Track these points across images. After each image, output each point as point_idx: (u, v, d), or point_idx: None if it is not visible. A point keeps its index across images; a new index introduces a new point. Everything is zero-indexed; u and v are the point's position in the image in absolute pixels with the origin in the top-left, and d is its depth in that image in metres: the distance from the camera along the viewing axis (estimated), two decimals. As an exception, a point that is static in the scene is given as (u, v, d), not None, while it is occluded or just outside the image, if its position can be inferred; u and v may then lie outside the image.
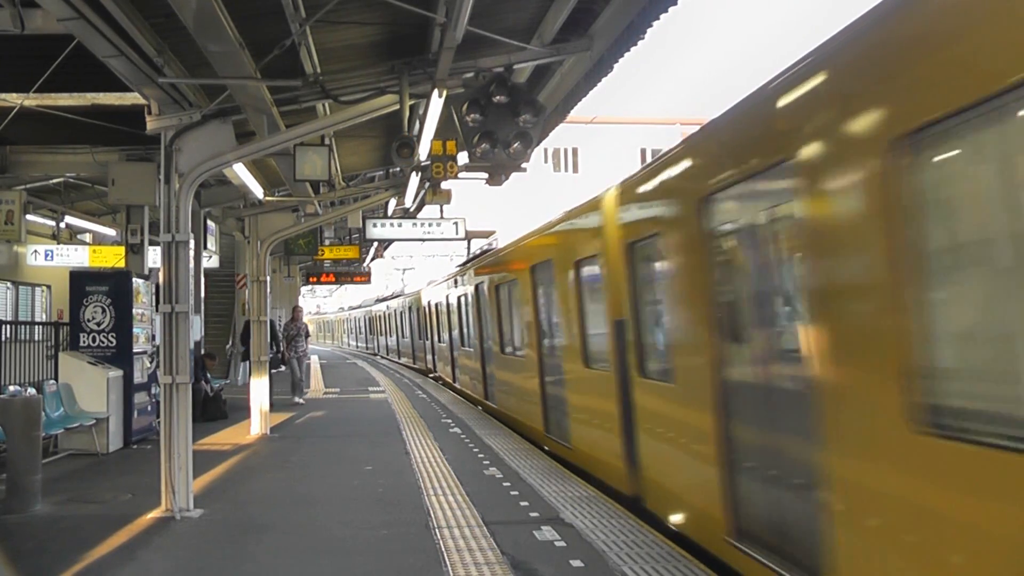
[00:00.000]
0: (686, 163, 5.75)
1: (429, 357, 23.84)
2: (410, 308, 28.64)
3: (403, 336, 31.63)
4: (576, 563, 5.10)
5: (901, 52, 3.25)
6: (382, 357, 38.54)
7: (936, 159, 3.09)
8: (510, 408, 12.44)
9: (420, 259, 39.81)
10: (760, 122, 4.54)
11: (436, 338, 21.89)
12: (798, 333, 4.22)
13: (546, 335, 10.07)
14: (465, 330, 16.71)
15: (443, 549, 5.44)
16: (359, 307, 54.82)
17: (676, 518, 6.06)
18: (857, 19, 3.65)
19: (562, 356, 9.21)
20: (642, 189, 6.63)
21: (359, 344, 50.19)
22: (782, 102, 4.23)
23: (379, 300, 44.41)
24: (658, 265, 6.32)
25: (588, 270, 8.18)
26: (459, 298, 17.14)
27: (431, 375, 23.44)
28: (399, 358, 33.26)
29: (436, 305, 21.23)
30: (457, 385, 18.20)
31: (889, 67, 3.32)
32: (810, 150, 3.88)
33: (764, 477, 4.65)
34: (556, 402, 9.66)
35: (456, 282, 17.66)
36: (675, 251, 5.84)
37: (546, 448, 10.04)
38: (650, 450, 6.65)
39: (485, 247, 19.75)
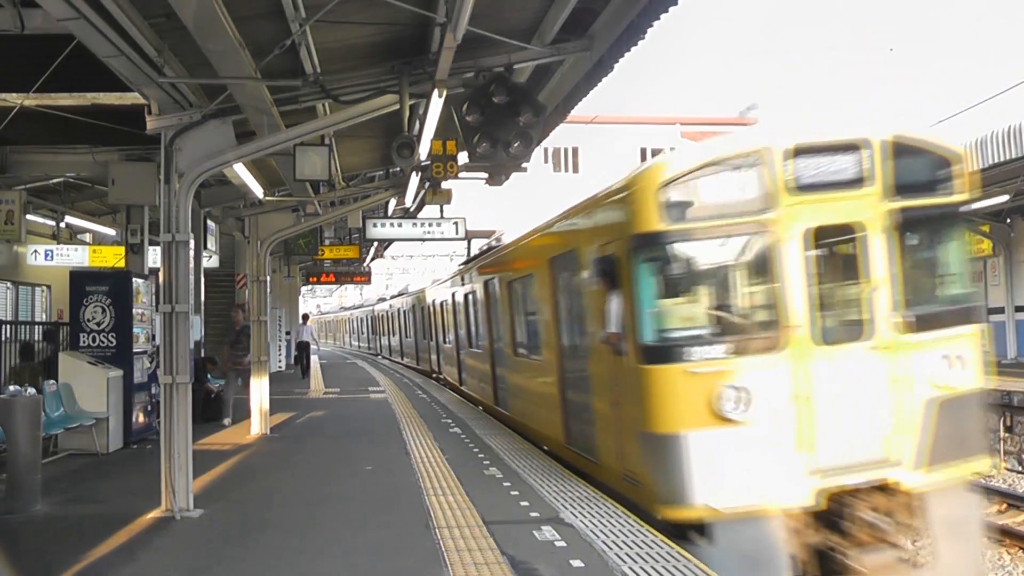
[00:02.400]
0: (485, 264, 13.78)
1: (383, 346, 38.03)
2: (368, 316, 45.23)
3: (362, 333, 48.42)
4: (576, 563, 5.10)
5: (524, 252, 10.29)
6: (349, 347, 54.41)
7: (555, 277, 8.66)
8: (414, 363, 26.86)
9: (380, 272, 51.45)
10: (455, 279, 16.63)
11: (380, 333, 38.72)
12: (507, 338, 11.84)
13: (431, 333, 21.59)
14: (400, 330, 30.82)
15: (443, 549, 5.44)
16: (330, 313, 73.79)
17: (526, 422, 10.88)
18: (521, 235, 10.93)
19: (442, 342, 19.90)
20: (437, 287, 20.01)
21: (332, 340, 65.16)
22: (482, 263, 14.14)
23: (343, 309, 66.90)
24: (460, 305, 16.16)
25: (428, 307, 21.52)
26: (393, 313, 32.60)
27: (380, 358, 36.90)
28: (360, 348, 48.74)
29: (383, 315, 36.78)
30: (396, 359, 32.47)
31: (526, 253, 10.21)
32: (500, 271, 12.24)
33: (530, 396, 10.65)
34: (431, 362, 22.66)
35: (392, 304, 33.70)
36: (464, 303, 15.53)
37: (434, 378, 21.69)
38: (517, 392, 11.60)
39: (404, 288, 36.10)
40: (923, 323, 6.18)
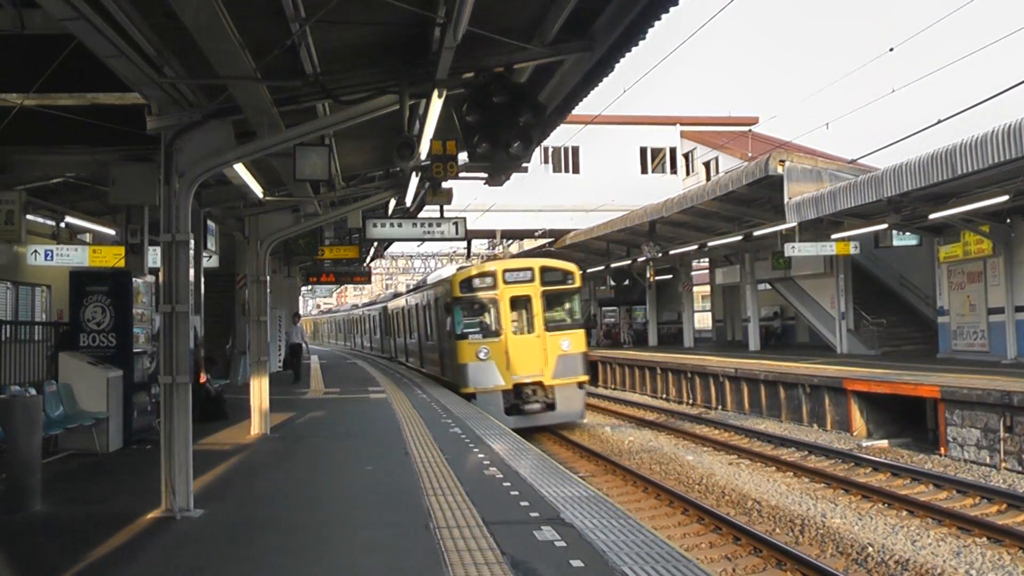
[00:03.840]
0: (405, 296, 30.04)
1: (356, 342, 51.65)
2: (345, 320, 60.91)
3: (340, 332, 63.11)
4: (576, 563, 5.10)
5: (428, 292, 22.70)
6: (331, 344, 66.46)
7: (437, 306, 20.61)
8: (380, 352, 38.79)
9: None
10: (400, 301, 30.56)
11: (355, 333, 52.67)
12: (407, 330, 28.19)
13: (390, 331, 33.92)
14: (370, 330, 43.76)
15: (443, 549, 5.44)
16: (309, 316, 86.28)
17: (428, 371, 23.04)
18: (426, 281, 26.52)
19: (396, 337, 32.22)
20: (400, 300, 31.40)
21: (313, 337, 76.01)
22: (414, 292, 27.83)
23: (322, 313, 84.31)
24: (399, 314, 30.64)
25: (388, 315, 35.31)
26: (365, 317, 46.94)
27: (352, 348, 52.25)
28: (339, 344, 61.56)
29: (358, 319, 51.56)
30: (367, 351, 43.98)
31: (427, 295, 23.01)
32: (419, 299, 25.22)
33: (429, 356, 22.92)
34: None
35: (364, 311, 49.01)
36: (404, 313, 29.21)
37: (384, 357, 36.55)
38: (426, 358, 23.45)
39: (368, 300, 57.73)
40: (556, 328, 17.56)
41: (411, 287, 32.10)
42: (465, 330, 17.58)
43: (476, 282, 17.68)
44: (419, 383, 20.32)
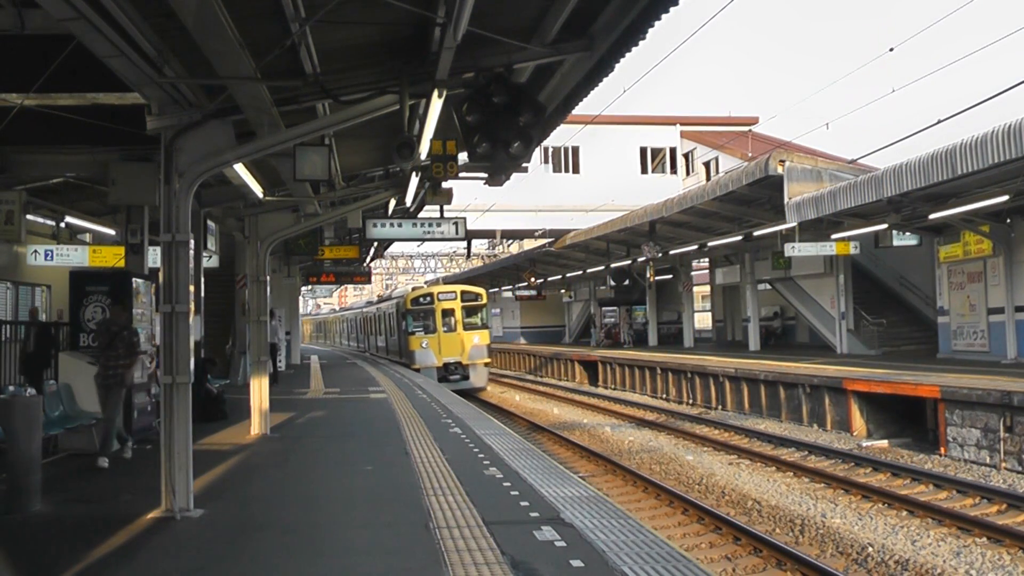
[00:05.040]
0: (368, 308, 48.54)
1: (338, 341, 62.54)
2: (330, 321, 73.72)
3: (324, 332, 75.65)
4: (576, 563, 5.10)
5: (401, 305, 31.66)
6: (318, 342, 76.39)
7: (398, 314, 31.18)
8: (356, 348, 51.62)
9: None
10: (371, 311, 45.04)
11: (336, 333, 66.49)
12: (379, 330, 40.49)
13: (366, 331, 46.89)
14: (348, 330, 57.73)
15: (443, 549, 5.44)
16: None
17: (390, 358, 34.28)
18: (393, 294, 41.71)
19: (369, 335, 45.11)
20: (368, 307, 50.20)
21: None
22: (378, 304, 43.94)
23: (308, 316, 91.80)
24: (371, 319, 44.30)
25: (364, 319, 48.81)
26: (345, 319, 62.68)
27: (332, 346, 62.68)
28: (325, 343, 71.72)
29: (340, 320, 66.91)
30: (347, 347, 55.47)
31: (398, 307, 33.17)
32: (379, 308, 41.03)
33: (392, 347, 34.00)
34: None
35: (343, 315, 67.97)
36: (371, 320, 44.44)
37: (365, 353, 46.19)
38: (390, 349, 35.43)
39: (348, 306, 78.34)
40: (470, 328, 27.43)
41: (378, 300, 47.70)
42: (414, 329, 27.46)
43: (421, 299, 27.87)
44: (420, 384, 20.34)
